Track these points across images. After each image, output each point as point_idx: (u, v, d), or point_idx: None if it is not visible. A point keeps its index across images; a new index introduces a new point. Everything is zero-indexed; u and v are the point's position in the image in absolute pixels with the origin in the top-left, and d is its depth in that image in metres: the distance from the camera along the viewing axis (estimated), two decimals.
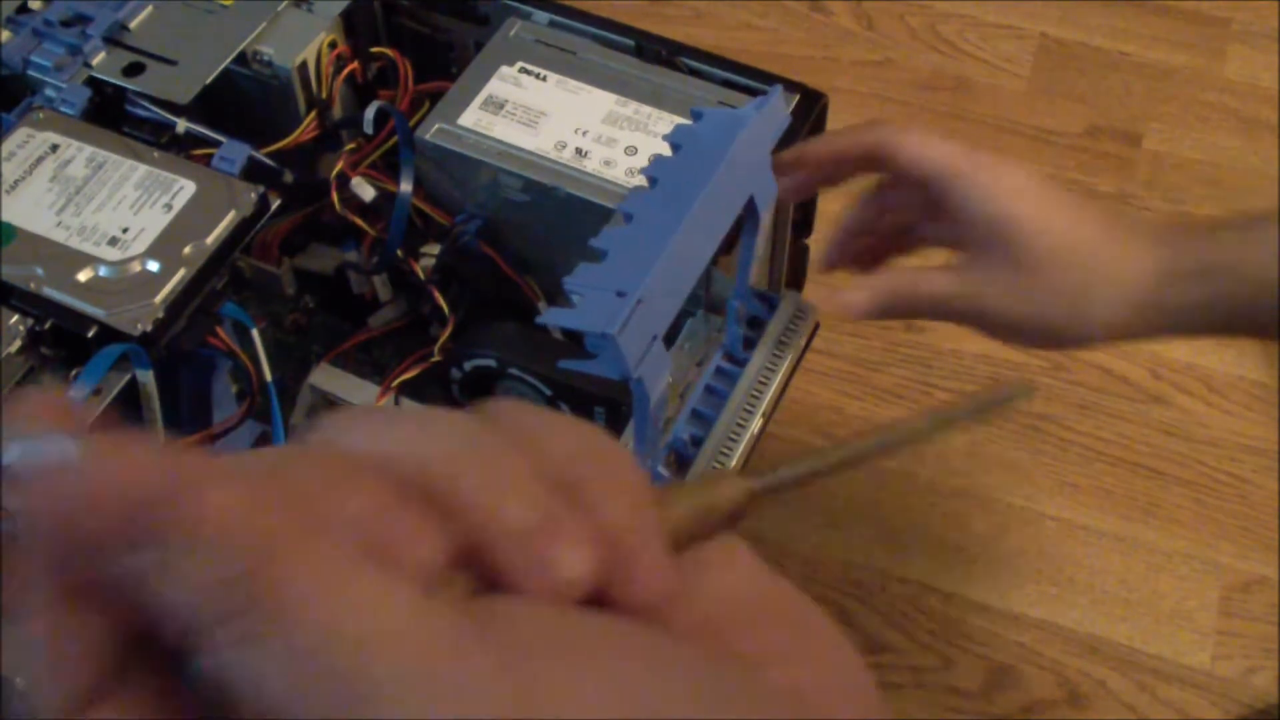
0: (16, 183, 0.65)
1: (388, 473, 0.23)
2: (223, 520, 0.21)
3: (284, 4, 0.73)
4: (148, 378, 0.60)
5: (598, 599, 0.23)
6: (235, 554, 0.20)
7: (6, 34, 0.71)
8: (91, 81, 0.70)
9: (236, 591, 0.20)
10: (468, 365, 0.69)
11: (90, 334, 0.60)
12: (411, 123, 0.71)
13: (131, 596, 0.21)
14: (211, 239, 0.63)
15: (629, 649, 0.22)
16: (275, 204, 0.65)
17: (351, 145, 0.72)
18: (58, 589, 0.21)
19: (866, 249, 0.65)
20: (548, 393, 0.68)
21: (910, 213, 0.61)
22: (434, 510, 0.22)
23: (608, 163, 0.67)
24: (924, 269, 0.59)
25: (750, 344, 0.63)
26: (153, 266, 0.62)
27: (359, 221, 0.71)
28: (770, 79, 0.70)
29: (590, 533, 0.23)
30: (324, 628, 0.20)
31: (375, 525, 0.22)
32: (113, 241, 0.63)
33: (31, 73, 0.70)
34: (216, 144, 0.68)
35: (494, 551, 0.22)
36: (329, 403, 0.71)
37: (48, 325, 0.60)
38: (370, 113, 0.71)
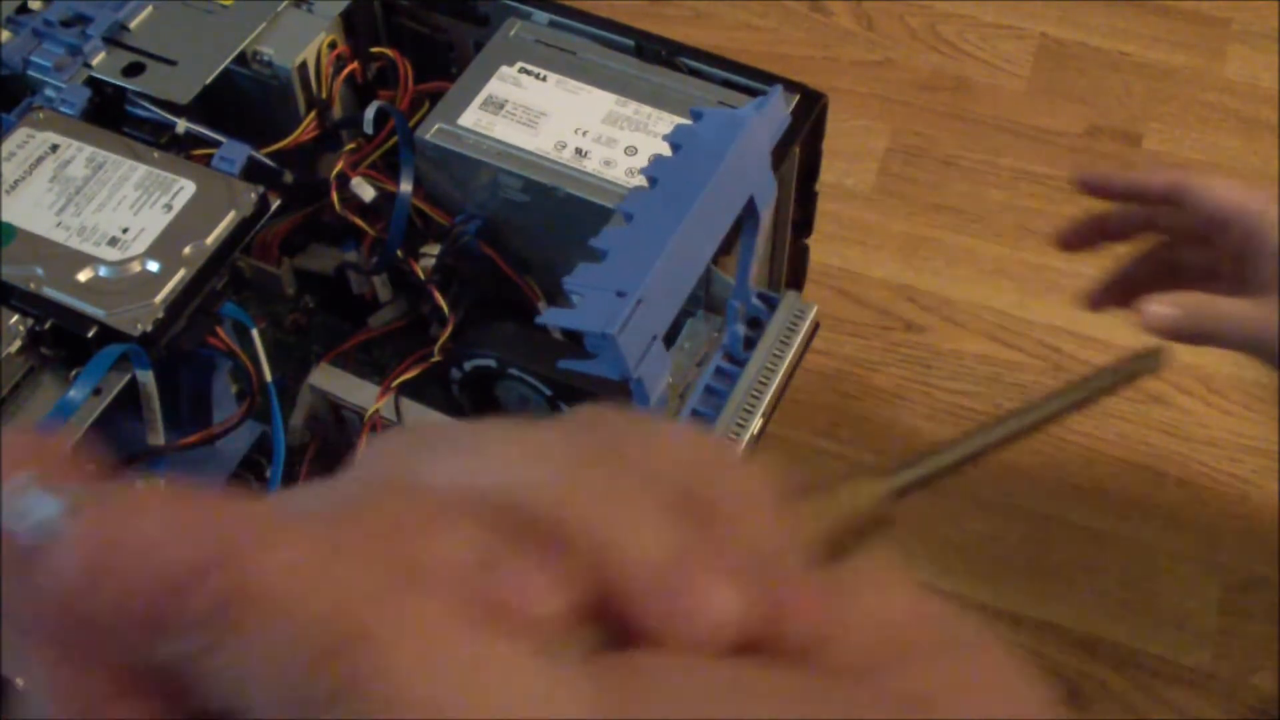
0: (16, 183, 0.65)
1: (486, 510, 0.19)
2: (293, 586, 0.17)
3: (284, 4, 0.73)
4: (147, 378, 0.60)
5: (744, 641, 0.19)
6: (315, 629, 0.16)
7: (6, 34, 0.71)
8: (91, 81, 0.70)
9: (321, 675, 0.16)
10: (468, 365, 0.69)
11: (90, 334, 0.60)
12: (411, 123, 0.71)
13: (176, 687, 0.17)
14: (211, 239, 0.63)
15: (802, 705, 0.18)
16: (275, 204, 0.65)
17: (351, 145, 0.72)
18: (69, 688, 0.17)
19: (1136, 293, 0.66)
20: (548, 393, 0.68)
21: (1198, 261, 0.63)
22: (547, 553, 0.19)
23: (608, 163, 0.67)
24: (1228, 298, 0.60)
25: (750, 344, 0.63)
26: (153, 267, 0.62)
27: (359, 222, 0.71)
28: (770, 79, 0.70)
29: (731, 563, 0.19)
30: (437, 710, 0.16)
31: (482, 576, 0.18)
32: (113, 242, 0.63)
33: (31, 73, 0.70)
34: (216, 144, 0.68)
35: (625, 597, 0.18)
36: (329, 403, 0.71)
37: (48, 325, 0.60)
38: (370, 113, 0.71)
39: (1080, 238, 0.70)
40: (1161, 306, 0.60)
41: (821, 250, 0.89)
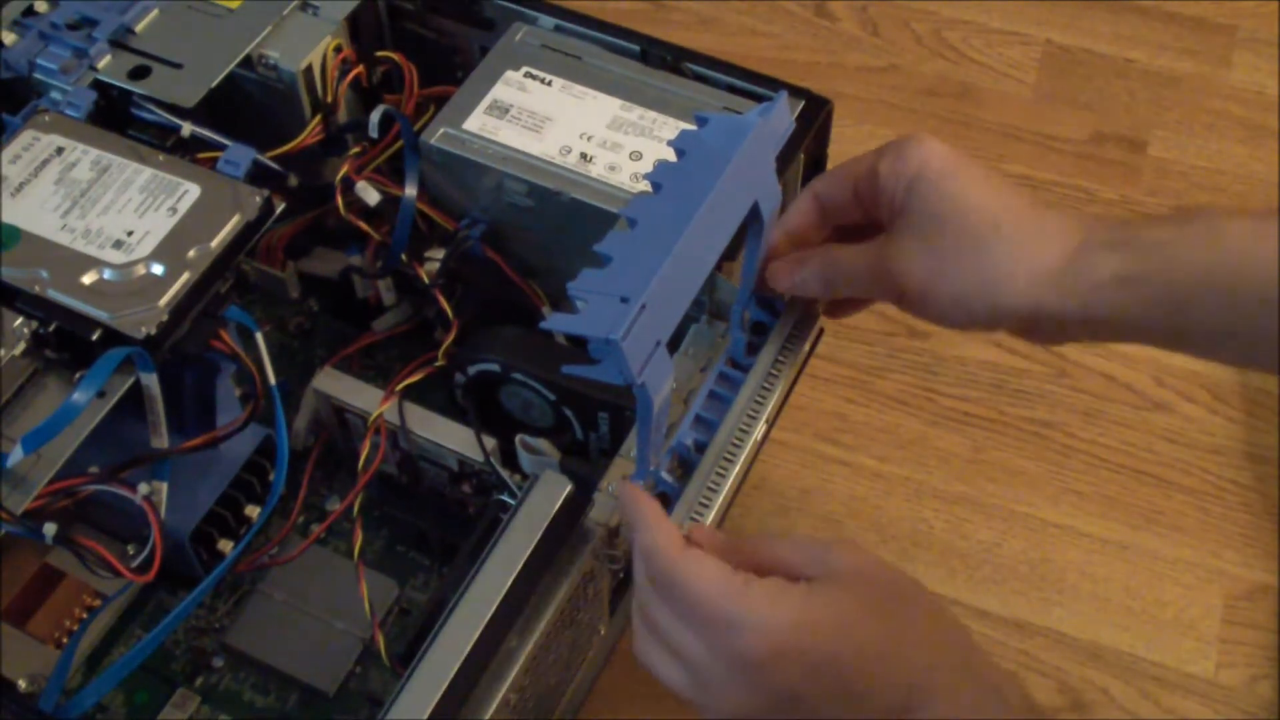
0: (22, 185, 0.65)
1: None
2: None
3: (289, 8, 0.73)
4: (151, 381, 0.60)
5: None
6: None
7: (12, 37, 0.71)
8: (97, 84, 0.70)
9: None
10: (472, 370, 0.69)
11: (94, 337, 0.60)
12: (416, 127, 0.71)
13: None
14: (216, 242, 0.63)
15: None
16: (280, 208, 0.65)
17: (356, 149, 0.72)
18: None
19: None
20: (551, 398, 0.68)
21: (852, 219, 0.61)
22: None
23: (612, 168, 0.67)
24: (846, 245, 0.59)
25: (754, 349, 0.63)
26: (157, 270, 0.62)
27: (363, 225, 0.71)
28: (775, 84, 0.70)
29: None
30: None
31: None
32: (117, 244, 0.63)
33: (37, 75, 0.70)
34: (221, 147, 0.68)
35: None
36: (333, 406, 0.71)
37: (52, 328, 0.60)
38: (375, 117, 0.71)
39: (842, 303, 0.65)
40: (792, 267, 0.59)
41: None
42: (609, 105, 0.70)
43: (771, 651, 0.48)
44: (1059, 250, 0.53)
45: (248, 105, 0.74)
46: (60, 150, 0.66)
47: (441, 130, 0.69)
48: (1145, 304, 0.52)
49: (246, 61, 0.72)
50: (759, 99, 0.70)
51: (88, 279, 0.61)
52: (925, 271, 0.55)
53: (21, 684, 0.65)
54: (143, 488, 0.62)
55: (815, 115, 0.69)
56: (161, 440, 0.63)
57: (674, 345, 0.64)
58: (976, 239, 0.54)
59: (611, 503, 0.59)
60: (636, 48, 0.73)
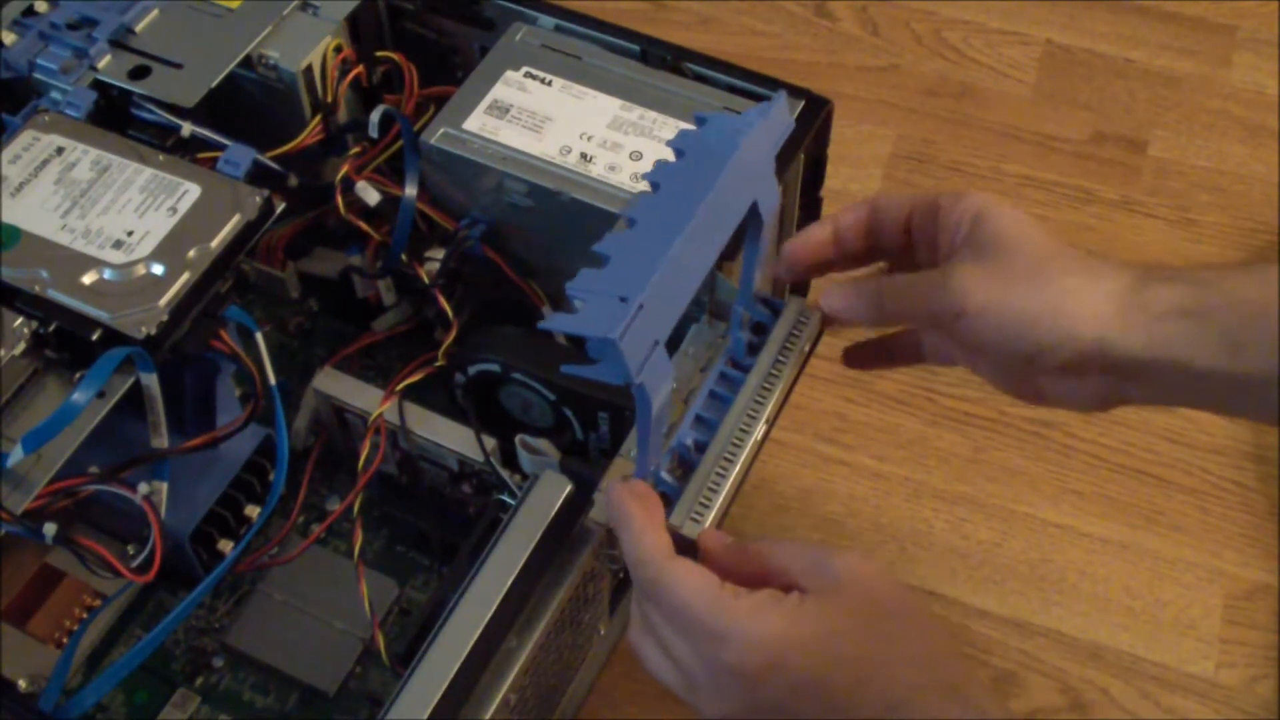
0: (22, 185, 0.65)
1: None
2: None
3: (289, 8, 0.73)
4: (151, 381, 0.60)
5: None
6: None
7: (12, 37, 0.71)
8: (97, 84, 0.70)
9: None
10: (471, 370, 0.69)
11: (94, 337, 0.60)
12: (416, 127, 0.71)
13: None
14: (216, 242, 0.63)
15: None
16: (280, 208, 0.65)
17: (356, 149, 0.72)
18: None
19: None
20: (551, 398, 0.68)
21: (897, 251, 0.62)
22: None
23: (612, 168, 0.67)
24: (902, 274, 0.60)
25: (754, 349, 0.63)
26: (157, 270, 0.62)
27: (363, 225, 0.71)
28: (775, 84, 0.70)
29: None
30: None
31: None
32: (117, 244, 0.63)
33: (37, 75, 0.71)
34: (221, 147, 0.68)
35: None
36: (332, 406, 0.71)
37: (52, 328, 0.60)
38: (375, 117, 0.71)
39: (868, 352, 0.68)
40: (845, 291, 0.59)
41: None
42: (609, 105, 0.70)
43: (756, 666, 0.49)
44: (1121, 281, 0.54)
45: (248, 105, 0.74)
46: (60, 150, 0.66)
47: (441, 130, 0.69)
48: (1204, 341, 0.53)
49: (246, 61, 0.72)
50: (759, 99, 0.70)
51: (88, 279, 0.62)
52: (993, 291, 0.55)
53: (21, 684, 0.65)
54: (143, 488, 0.62)
55: (815, 115, 0.69)
56: (161, 440, 0.63)
57: (674, 345, 0.64)
58: (1045, 265, 0.55)
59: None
60: (636, 48, 0.73)
